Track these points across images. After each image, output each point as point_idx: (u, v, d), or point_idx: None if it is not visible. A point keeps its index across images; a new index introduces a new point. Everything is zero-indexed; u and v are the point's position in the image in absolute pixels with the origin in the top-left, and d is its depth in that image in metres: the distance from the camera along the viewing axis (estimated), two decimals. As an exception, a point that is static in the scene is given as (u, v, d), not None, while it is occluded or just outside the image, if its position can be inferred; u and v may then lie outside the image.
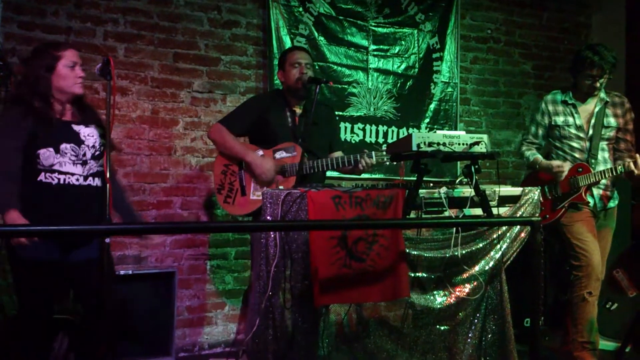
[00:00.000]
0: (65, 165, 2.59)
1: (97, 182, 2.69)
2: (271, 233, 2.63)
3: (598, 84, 3.48)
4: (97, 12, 3.81)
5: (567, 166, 3.48)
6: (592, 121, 3.55)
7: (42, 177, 2.57)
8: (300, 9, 4.27)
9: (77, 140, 2.64)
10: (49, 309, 2.65)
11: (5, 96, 3.51)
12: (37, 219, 2.48)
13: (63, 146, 2.59)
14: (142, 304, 3.55)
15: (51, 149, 2.57)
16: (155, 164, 3.93)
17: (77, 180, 2.61)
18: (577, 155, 3.55)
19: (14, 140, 2.55)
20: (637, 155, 3.39)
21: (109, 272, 2.76)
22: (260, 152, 3.26)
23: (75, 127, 2.67)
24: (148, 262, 3.89)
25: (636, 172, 3.34)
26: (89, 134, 2.69)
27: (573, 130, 3.56)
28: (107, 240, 2.33)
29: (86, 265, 2.63)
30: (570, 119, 3.57)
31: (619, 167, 3.39)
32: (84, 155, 2.64)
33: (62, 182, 2.58)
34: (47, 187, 2.57)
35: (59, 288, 2.67)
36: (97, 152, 2.70)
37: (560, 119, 3.59)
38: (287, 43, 4.17)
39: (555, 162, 3.50)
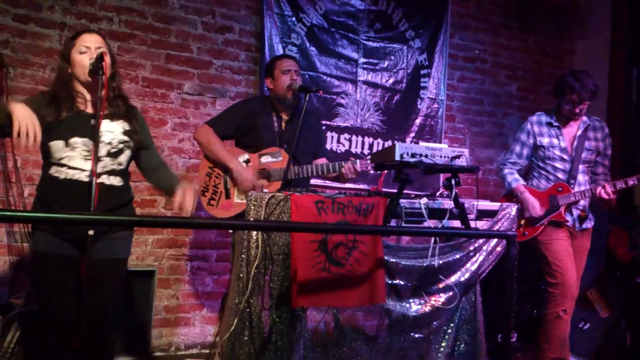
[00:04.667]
0: (75, 160, 2.46)
1: (112, 180, 2.54)
2: (253, 234, 2.66)
3: (577, 110, 3.57)
4: (92, 9, 3.85)
5: (540, 211, 3.57)
6: (575, 143, 3.64)
7: (52, 170, 2.47)
8: (294, 19, 4.35)
9: (92, 135, 2.47)
10: (69, 305, 2.48)
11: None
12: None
13: (74, 140, 2.45)
14: (121, 301, 3.55)
15: (61, 142, 2.45)
16: (142, 163, 3.96)
17: (88, 177, 2.45)
18: (559, 175, 3.63)
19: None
20: (608, 183, 3.51)
21: (120, 271, 2.66)
22: (246, 156, 3.30)
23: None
24: (129, 260, 3.89)
25: (606, 197, 3.45)
26: (109, 130, 2.52)
27: (557, 152, 3.65)
28: (91, 232, 2.33)
29: (105, 265, 2.51)
30: (555, 141, 3.66)
31: (599, 188, 3.49)
32: (98, 151, 2.47)
33: (70, 177, 2.46)
34: (54, 181, 2.46)
35: (76, 285, 2.50)
36: (114, 150, 2.53)
37: (545, 140, 3.68)
38: (279, 51, 4.24)
39: (535, 206, 3.56)
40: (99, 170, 2.49)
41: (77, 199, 2.44)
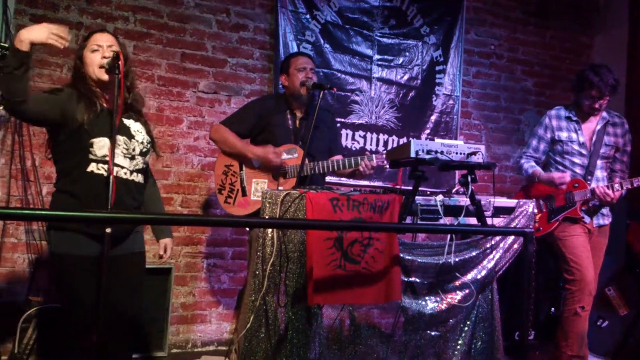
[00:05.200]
0: (117, 158, 2.48)
1: (140, 178, 2.60)
2: (268, 232, 2.67)
3: (597, 105, 3.53)
4: (108, 9, 3.88)
5: (568, 177, 3.54)
6: (594, 139, 3.60)
7: (92, 167, 2.45)
8: (308, 16, 4.34)
9: (129, 134, 2.54)
10: (92, 304, 2.45)
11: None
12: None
13: (117, 138, 2.47)
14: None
15: (106, 139, 2.44)
16: (158, 161, 3.97)
17: (125, 174, 2.51)
18: (577, 170, 3.60)
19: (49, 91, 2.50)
20: (615, 182, 3.48)
21: (143, 264, 2.70)
22: None
23: (126, 121, 2.57)
24: (146, 257, 3.93)
25: (608, 199, 3.43)
26: (138, 130, 2.59)
27: (576, 147, 3.61)
28: (108, 230, 2.35)
29: (129, 259, 2.56)
30: (574, 135, 3.62)
31: (616, 185, 3.45)
32: (134, 150, 2.54)
33: (114, 174, 2.45)
34: (98, 178, 2.44)
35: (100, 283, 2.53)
36: (145, 149, 2.60)
37: (564, 135, 3.64)
38: (294, 49, 4.24)
39: (557, 174, 3.55)
40: (132, 167, 2.54)
41: (120, 195, 2.46)
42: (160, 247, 2.79)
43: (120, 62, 2.42)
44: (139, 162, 2.58)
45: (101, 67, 2.47)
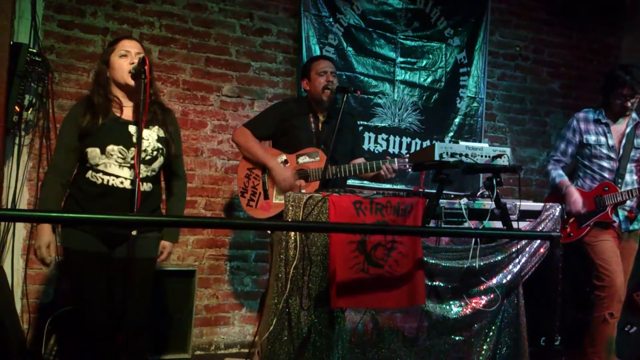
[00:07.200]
0: (111, 167, 2.51)
1: (144, 186, 2.57)
2: (291, 235, 2.67)
3: (629, 104, 3.47)
4: (134, 14, 3.93)
5: (582, 208, 3.48)
6: (623, 141, 3.53)
7: (89, 174, 2.53)
8: (331, 20, 4.34)
9: (128, 143, 2.53)
10: (99, 302, 2.55)
11: (42, 91, 3.65)
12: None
13: (110, 147, 2.51)
14: (162, 300, 3.62)
15: (97, 149, 2.51)
16: (182, 164, 4.02)
17: (122, 183, 2.52)
18: (606, 175, 3.53)
19: (67, 137, 2.59)
20: None
21: (152, 269, 2.71)
22: (284, 157, 3.32)
23: (132, 128, 2.56)
24: (169, 260, 3.96)
25: None
26: (144, 137, 2.55)
27: (605, 150, 3.54)
28: (134, 232, 2.38)
29: (139, 263, 2.54)
30: (603, 139, 3.56)
31: None
32: (133, 158, 2.51)
33: (105, 182, 2.51)
34: (91, 185, 2.53)
35: (107, 283, 2.57)
36: (148, 157, 2.57)
37: (592, 138, 3.58)
38: (316, 52, 4.25)
39: (577, 202, 3.48)
40: (134, 176, 2.52)
41: (113, 203, 2.51)
42: (159, 247, 2.76)
43: (146, 67, 2.45)
44: (142, 170, 2.54)
45: (129, 72, 2.52)
